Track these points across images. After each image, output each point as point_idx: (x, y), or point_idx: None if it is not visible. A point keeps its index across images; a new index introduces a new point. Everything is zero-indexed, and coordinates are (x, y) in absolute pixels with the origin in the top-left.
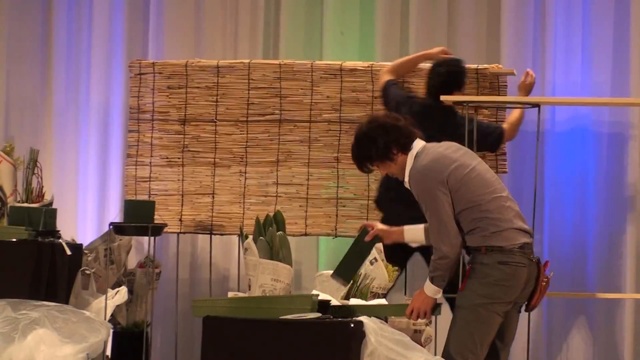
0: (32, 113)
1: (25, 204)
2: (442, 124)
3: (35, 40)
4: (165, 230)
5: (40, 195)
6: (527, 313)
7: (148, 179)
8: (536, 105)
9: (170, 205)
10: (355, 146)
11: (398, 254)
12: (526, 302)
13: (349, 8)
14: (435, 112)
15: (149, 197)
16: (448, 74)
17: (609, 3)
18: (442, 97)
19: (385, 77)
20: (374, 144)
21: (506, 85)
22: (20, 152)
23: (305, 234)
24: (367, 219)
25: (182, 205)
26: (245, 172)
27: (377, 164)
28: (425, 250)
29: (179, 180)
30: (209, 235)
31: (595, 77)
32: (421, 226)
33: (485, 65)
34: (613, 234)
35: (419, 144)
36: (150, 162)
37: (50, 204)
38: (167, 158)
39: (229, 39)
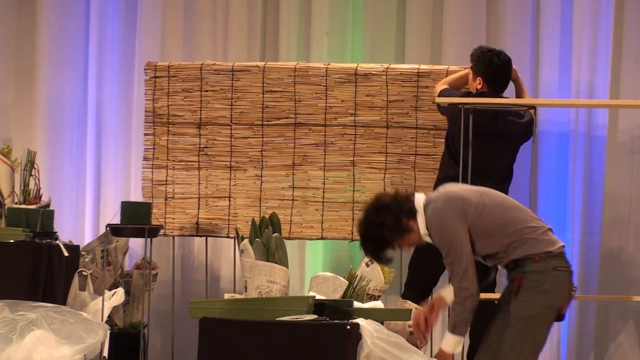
0: (29, 115)
1: (23, 206)
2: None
3: (33, 44)
4: (181, 234)
5: (38, 197)
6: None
7: (165, 182)
8: (532, 107)
9: (187, 208)
10: (368, 240)
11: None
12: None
13: (336, 9)
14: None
15: (166, 200)
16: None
17: (607, 4)
18: (437, 100)
19: (440, 87)
20: (384, 226)
21: None
22: (18, 153)
23: (322, 238)
24: None
25: (198, 208)
26: (262, 176)
27: (396, 243)
28: None
29: (196, 183)
30: (203, 237)
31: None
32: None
33: None
34: None
35: (418, 196)
36: (166, 166)
37: (48, 205)
38: (183, 161)
39: (219, 40)
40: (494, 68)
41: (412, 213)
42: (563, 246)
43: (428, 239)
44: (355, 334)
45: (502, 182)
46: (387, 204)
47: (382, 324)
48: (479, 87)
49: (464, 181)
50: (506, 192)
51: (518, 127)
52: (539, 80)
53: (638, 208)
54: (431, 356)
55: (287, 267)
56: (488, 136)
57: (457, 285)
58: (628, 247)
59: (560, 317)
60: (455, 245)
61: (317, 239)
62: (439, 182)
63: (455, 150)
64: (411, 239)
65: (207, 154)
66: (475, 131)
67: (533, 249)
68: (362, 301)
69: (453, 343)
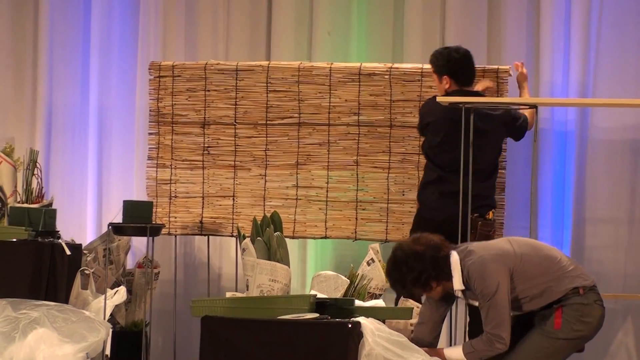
0: (32, 114)
1: (25, 205)
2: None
3: (34, 43)
4: (185, 232)
5: (40, 196)
6: None
7: (169, 182)
8: (534, 106)
9: (190, 207)
10: (392, 270)
11: None
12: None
13: (339, 8)
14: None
15: (170, 199)
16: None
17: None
18: (439, 99)
19: None
20: (411, 273)
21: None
22: (20, 152)
23: (326, 237)
24: (387, 222)
25: (202, 207)
26: (266, 175)
27: (416, 292)
28: None
29: (200, 182)
30: (205, 236)
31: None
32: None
33: (496, 66)
34: None
35: (455, 257)
36: (171, 165)
37: (50, 204)
38: (187, 160)
39: (222, 40)
40: (454, 62)
41: (445, 276)
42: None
43: (459, 295)
44: (357, 333)
45: (485, 178)
46: (423, 257)
47: (384, 322)
48: (447, 86)
49: (449, 180)
50: (492, 188)
51: (492, 120)
52: (539, 80)
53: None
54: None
55: (289, 266)
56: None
57: (491, 331)
58: None
59: (581, 349)
60: (499, 292)
61: (321, 238)
62: (422, 187)
63: (433, 154)
64: (430, 294)
65: (210, 154)
66: (452, 130)
67: (575, 283)
68: (363, 300)
69: (455, 355)
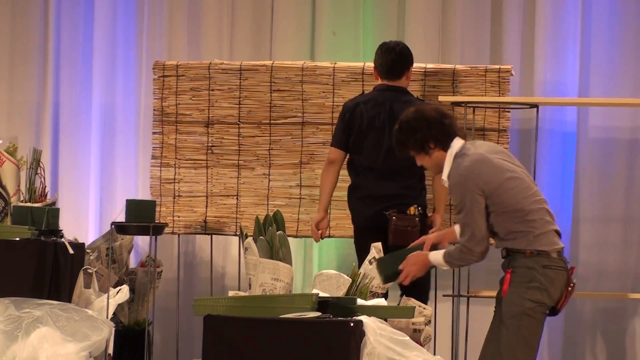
0: (35, 113)
1: (29, 204)
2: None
3: (38, 42)
4: (189, 231)
5: (43, 195)
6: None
7: (173, 181)
8: (535, 105)
9: (194, 206)
10: (397, 131)
11: None
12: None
13: (341, 8)
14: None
15: (174, 198)
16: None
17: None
18: (441, 98)
19: None
20: (413, 135)
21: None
22: (23, 152)
23: (329, 236)
24: None
25: (206, 206)
26: (269, 174)
27: (413, 152)
28: None
29: (204, 182)
30: (209, 235)
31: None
32: None
33: (497, 66)
34: None
35: (457, 142)
36: (175, 164)
37: (53, 203)
38: (191, 160)
39: (225, 39)
40: (378, 57)
41: (443, 145)
42: (559, 248)
43: (446, 185)
44: (359, 331)
45: (403, 179)
46: (431, 121)
47: (386, 321)
48: (377, 80)
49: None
50: (412, 189)
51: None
52: (534, 80)
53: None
54: (434, 354)
55: (291, 265)
56: (375, 130)
57: (465, 243)
58: None
59: (553, 312)
60: (470, 205)
61: (325, 237)
62: (349, 190)
63: (355, 157)
64: (425, 161)
65: (214, 153)
66: (364, 127)
67: (529, 245)
68: (365, 298)
69: (436, 261)
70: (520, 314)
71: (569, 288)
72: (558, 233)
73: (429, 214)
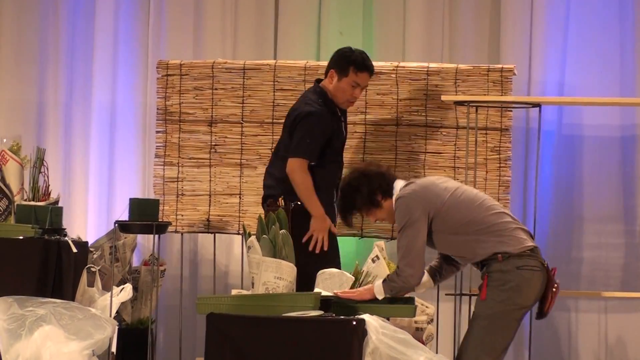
0: (39, 112)
1: (32, 202)
2: None
3: (42, 42)
4: (192, 230)
5: (47, 194)
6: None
7: (176, 180)
8: (537, 105)
9: (197, 205)
10: (341, 198)
11: None
12: (538, 310)
13: (348, 8)
14: None
15: (177, 197)
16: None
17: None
18: (443, 97)
19: None
20: (359, 193)
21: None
22: (27, 151)
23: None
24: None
25: (209, 205)
26: None
27: (364, 212)
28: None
29: (207, 180)
30: (212, 234)
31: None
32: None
33: (500, 66)
34: None
35: (399, 183)
36: (178, 163)
37: (57, 202)
38: (194, 158)
39: (229, 38)
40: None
41: (389, 193)
42: (530, 247)
43: None
44: (361, 330)
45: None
46: (370, 175)
47: (388, 319)
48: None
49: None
50: (271, 176)
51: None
52: (531, 80)
53: None
54: (437, 352)
55: (294, 264)
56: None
57: (399, 264)
58: None
59: (541, 315)
60: (410, 232)
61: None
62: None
63: None
64: (378, 214)
65: (217, 152)
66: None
67: (496, 248)
68: None
69: (378, 292)
70: (491, 316)
71: (554, 289)
72: (526, 232)
73: None
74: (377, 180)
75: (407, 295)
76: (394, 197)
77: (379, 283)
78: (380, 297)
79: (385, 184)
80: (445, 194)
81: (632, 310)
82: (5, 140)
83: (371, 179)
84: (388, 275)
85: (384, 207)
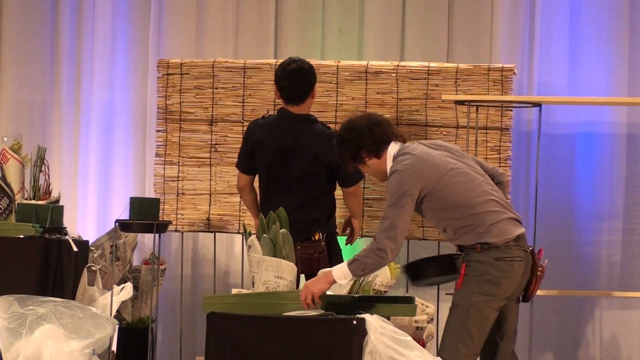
0: (39, 112)
1: (33, 201)
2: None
3: (43, 41)
4: (192, 229)
5: (48, 193)
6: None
7: (176, 179)
8: (537, 104)
9: (197, 204)
10: (335, 145)
11: None
12: (523, 293)
13: (348, 7)
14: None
15: (177, 196)
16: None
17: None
18: (444, 97)
19: None
20: (344, 146)
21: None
22: (28, 149)
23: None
24: None
25: (209, 204)
26: None
27: (349, 164)
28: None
29: (207, 179)
30: (212, 233)
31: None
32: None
33: (500, 65)
34: None
35: (393, 146)
36: (178, 162)
37: (57, 201)
38: (195, 158)
39: (230, 38)
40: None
41: (376, 153)
42: (514, 237)
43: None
44: (362, 330)
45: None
46: (360, 130)
47: (389, 319)
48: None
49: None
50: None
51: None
52: (532, 80)
53: None
54: (436, 352)
55: (295, 263)
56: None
57: (380, 237)
58: None
59: (525, 299)
60: (399, 207)
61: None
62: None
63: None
64: (367, 170)
65: (218, 151)
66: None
67: (478, 239)
68: None
69: (342, 274)
70: (468, 307)
71: (538, 273)
72: (516, 219)
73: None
74: (365, 138)
75: (407, 295)
76: (384, 160)
77: (340, 266)
78: (343, 281)
79: (374, 144)
80: (442, 170)
81: (626, 307)
82: (6, 139)
83: (360, 135)
84: (356, 255)
85: (368, 165)
